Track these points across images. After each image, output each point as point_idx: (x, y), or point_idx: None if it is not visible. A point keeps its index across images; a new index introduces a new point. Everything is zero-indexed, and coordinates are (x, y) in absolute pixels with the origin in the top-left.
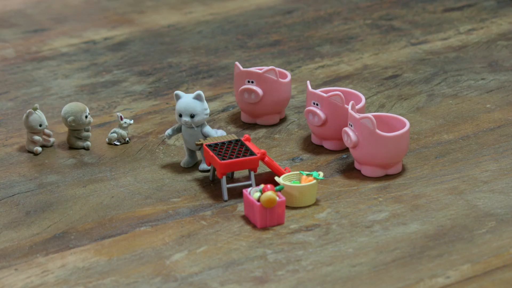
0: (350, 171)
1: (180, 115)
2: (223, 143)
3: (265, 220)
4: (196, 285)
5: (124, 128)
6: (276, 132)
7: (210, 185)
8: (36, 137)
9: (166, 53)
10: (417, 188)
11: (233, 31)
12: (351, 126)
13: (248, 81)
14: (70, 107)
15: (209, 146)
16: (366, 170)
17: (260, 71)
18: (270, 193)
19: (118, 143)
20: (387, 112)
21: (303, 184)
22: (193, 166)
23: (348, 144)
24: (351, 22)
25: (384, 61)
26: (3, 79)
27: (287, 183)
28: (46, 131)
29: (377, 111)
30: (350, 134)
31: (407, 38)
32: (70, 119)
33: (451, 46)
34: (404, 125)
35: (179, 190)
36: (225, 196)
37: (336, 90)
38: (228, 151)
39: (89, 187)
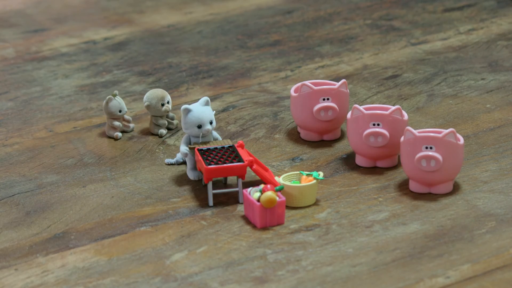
0: (350, 171)
1: (200, 126)
2: (215, 148)
3: (265, 220)
4: (196, 285)
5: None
6: (276, 132)
7: None
8: (116, 123)
9: (166, 53)
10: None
11: (233, 31)
12: (431, 148)
13: (324, 99)
14: (150, 93)
15: (200, 150)
16: (415, 186)
17: (334, 86)
18: (270, 193)
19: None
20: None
21: (303, 184)
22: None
23: (431, 169)
24: (351, 22)
25: (384, 61)
26: (3, 79)
27: (287, 183)
28: (126, 117)
29: None
30: (438, 157)
31: (407, 38)
32: (146, 104)
33: (451, 46)
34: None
35: (179, 190)
36: (211, 202)
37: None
38: (218, 156)
39: (89, 187)
